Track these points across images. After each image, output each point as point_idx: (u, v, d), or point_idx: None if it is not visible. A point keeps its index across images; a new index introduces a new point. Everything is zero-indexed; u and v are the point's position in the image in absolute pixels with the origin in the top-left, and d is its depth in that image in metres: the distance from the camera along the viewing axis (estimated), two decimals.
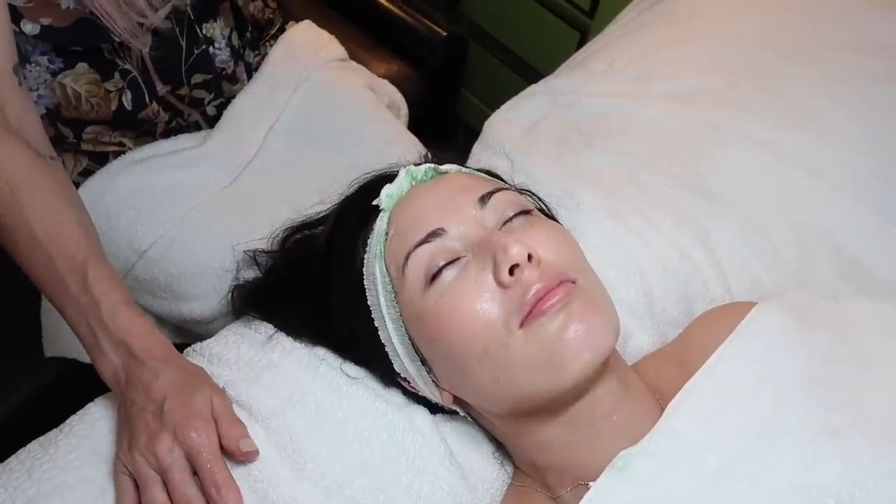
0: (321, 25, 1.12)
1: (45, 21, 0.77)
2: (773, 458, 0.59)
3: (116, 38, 0.81)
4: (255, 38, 1.01)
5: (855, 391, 0.62)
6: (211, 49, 0.92)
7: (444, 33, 1.69)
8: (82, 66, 0.84)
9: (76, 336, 0.70)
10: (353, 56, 1.14)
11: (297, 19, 1.10)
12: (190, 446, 0.63)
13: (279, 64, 1.01)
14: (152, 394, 0.65)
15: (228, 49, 0.94)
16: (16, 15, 0.76)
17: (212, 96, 0.97)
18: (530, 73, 1.64)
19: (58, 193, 0.72)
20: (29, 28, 0.77)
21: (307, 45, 1.06)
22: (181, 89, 0.92)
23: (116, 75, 0.86)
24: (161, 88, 0.90)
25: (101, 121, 0.90)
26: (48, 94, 0.85)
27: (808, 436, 0.59)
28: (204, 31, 0.91)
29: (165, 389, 0.65)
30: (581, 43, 1.48)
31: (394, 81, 1.19)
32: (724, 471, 0.59)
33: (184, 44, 0.89)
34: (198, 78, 0.93)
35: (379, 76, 1.18)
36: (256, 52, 1.01)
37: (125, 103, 0.88)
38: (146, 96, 0.89)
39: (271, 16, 1.03)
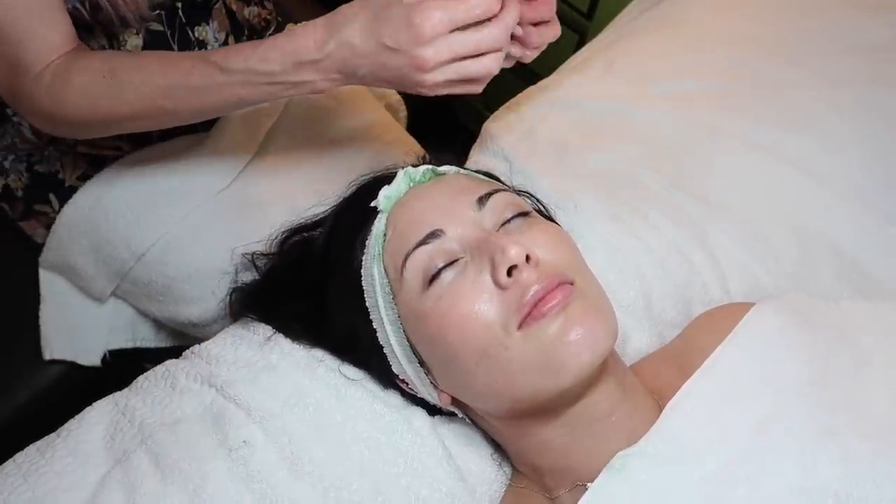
0: None
1: None
2: (772, 460, 0.59)
3: (101, 35, 0.81)
4: (252, 39, 1.00)
5: (854, 392, 0.62)
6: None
7: None
8: None
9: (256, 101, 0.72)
10: None
11: (296, 22, 1.10)
12: (438, 30, 0.62)
13: None
14: (364, 47, 0.64)
15: None
16: None
17: None
18: (528, 75, 1.63)
19: (135, 53, 0.80)
20: None
21: None
22: None
23: None
24: None
25: None
26: None
27: (807, 438, 0.59)
28: (196, 35, 0.90)
29: (368, 34, 0.64)
30: (579, 45, 1.47)
31: None
32: (723, 472, 0.59)
33: (175, 46, 0.88)
34: None
35: None
36: None
37: None
38: None
39: (268, 17, 1.03)
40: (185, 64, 0.72)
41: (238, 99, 0.73)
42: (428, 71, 0.64)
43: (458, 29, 0.63)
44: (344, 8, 0.67)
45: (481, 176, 0.73)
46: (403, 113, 1.21)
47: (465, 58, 0.64)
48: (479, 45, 0.64)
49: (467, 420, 0.72)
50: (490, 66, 0.66)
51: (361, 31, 0.65)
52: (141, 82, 0.73)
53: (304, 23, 0.68)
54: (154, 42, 0.87)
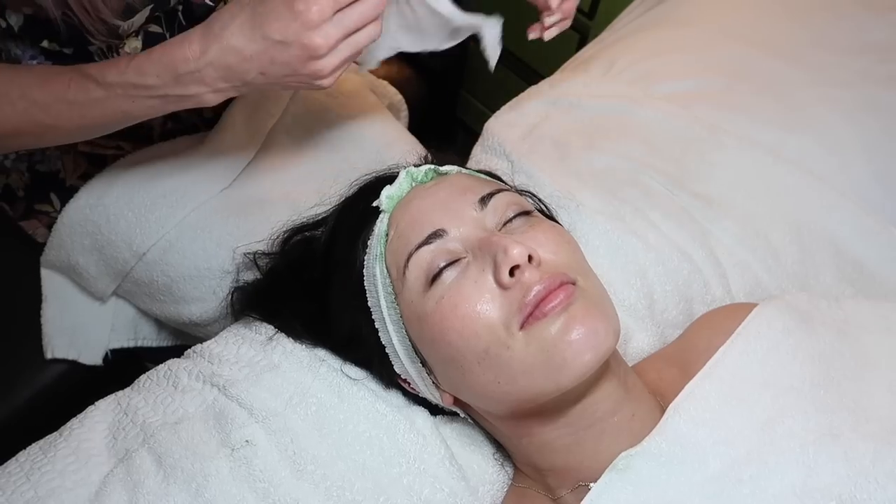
0: None
1: (28, 10, 0.76)
2: (775, 461, 0.59)
3: (94, 41, 0.81)
4: None
5: (856, 393, 0.62)
6: None
7: None
8: None
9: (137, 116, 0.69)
10: None
11: None
12: (325, 14, 0.60)
13: None
14: (250, 47, 0.62)
15: None
16: (0, 7, 0.76)
17: None
18: (530, 75, 1.64)
19: (15, 67, 0.73)
20: (14, 20, 0.76)
21: None
22: None
23: None
24: None
25: None
26: None
27: (809, 438, 0.59)
28: None
29: (251, 32, 0.62)
30: (581, 44, 1.48)
31: (394, 83, 1.19)
32: (726, 473, 0.59)
33: None
34: None
35: (379, 78, 1.18)
36: None
37: None
38: None
39: None
40: (62, 78, 0.69)
41: (122, 113, 0.69)
42: (321, 57, 0.62)
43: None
44: (219, 13, 0.65)
45: (483, 175, 0.73)
46: (405, 112, 1.21)
47: (352, 32, 0.63)
48: (364, 15, 0.63)
49: (469, 420, 0.72)
50: (374, 33, 0.65)
51: (242, 30, 0.63)
52: (18, 97, 0.70)
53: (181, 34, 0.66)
54: (152, 44, 0.86)
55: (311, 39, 0.61)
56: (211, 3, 0.88)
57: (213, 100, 0.67)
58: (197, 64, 0.64)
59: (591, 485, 0.60)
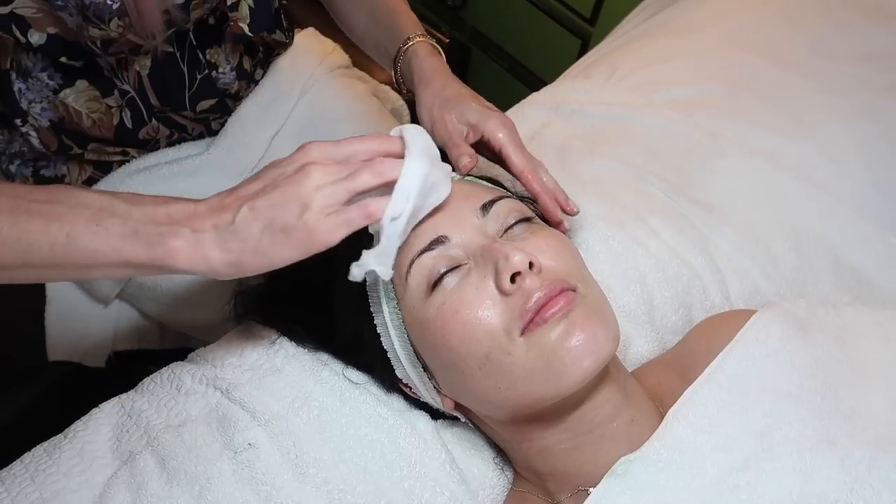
0: (325, 33, 1.13)
1: (52, 31, 0.78)
2: (772, 467, 0.59)
3: (111, 57, 0.82)
4: (267, 54, 1.01)
5: (853, 400, 0.63)
6: (214, 73, 0.92)
7: (447, 40, 1.70)
8: (81, 84, 0.84)
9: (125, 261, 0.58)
10: (356, 63, 1.15)
11: (302, 27, 1.11)
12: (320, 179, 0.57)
13: (284, 72, 1.01)
14: (245, 187, 0.59)
15: (234, 73, 0.94)
16: (23, 25, 0.77)
17: (217, 115, 0.97)
18: (532, 81, 1.65)
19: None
20: (35, 38, 0.78)
21: (312, 53, 1.07)
22: (184, 112, 0.92)
23: (116, 93, 0.87)
24: (160, 110, 0.90)
25: (103, 138, 0.90)
26: (51, 108, 0.85)
27: (806, 445, 0.60)
28: (207, 57, 0.91)
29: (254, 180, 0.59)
30: (583, 51, 1.48)
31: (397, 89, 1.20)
32: (723, 479, 0.59)
33: (185, 68, 0.89)
34: (203, 104, 0.93)
35: (382, 83, 1.19)
36: (267, 64, 1.02)
37: (125, 120, 0.88)
38: (145, 115, 0.89)
39: (289, 28, 1.03)
40: (45, 186, 0.59)
41: (66, 237, 0.56)
42: (313, 180, 0.58)
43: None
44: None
45: (485, 182, 0.73)
46: (407, 118, 1.21)
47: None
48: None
49: (470, 424, 0.72)
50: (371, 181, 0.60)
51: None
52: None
53: None
54: (164, 63, 0.87)
55: (306, 156, 0.59)
56: (250, 34, 0.89)
57: (185, 256, 0.58)
58: (198, 208, 0.59)
59: (591, 489, 0.61)
